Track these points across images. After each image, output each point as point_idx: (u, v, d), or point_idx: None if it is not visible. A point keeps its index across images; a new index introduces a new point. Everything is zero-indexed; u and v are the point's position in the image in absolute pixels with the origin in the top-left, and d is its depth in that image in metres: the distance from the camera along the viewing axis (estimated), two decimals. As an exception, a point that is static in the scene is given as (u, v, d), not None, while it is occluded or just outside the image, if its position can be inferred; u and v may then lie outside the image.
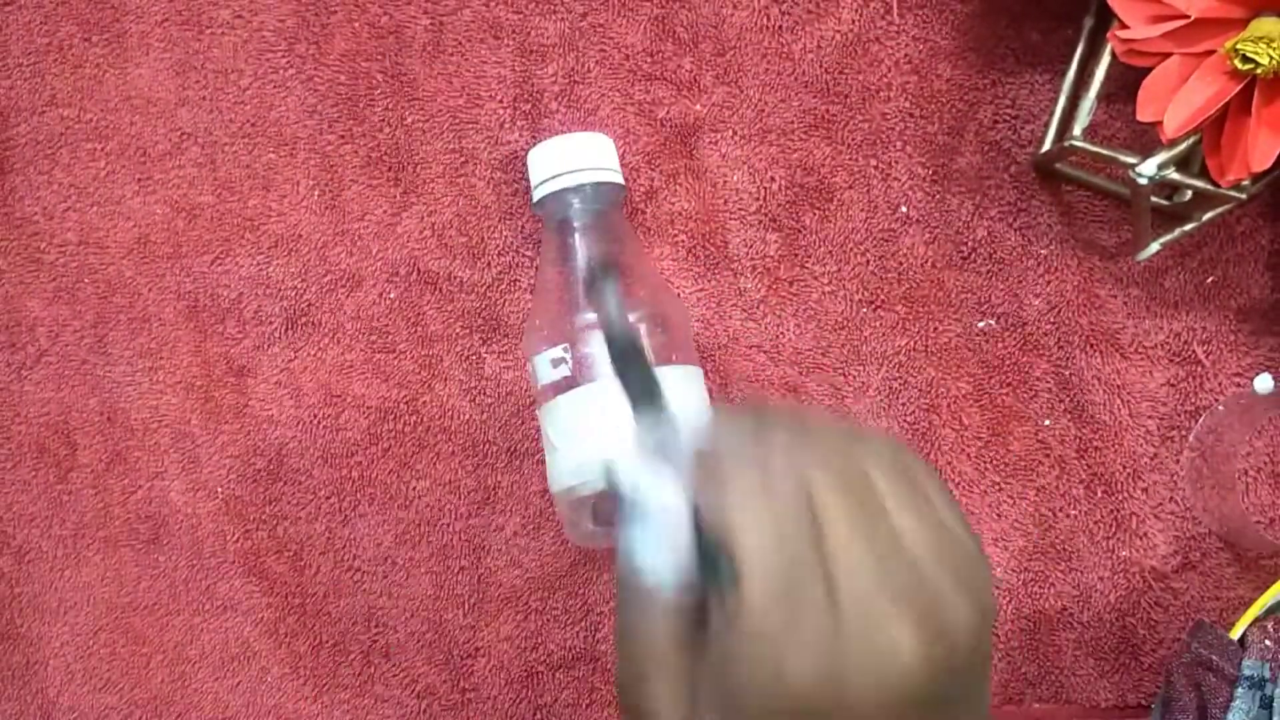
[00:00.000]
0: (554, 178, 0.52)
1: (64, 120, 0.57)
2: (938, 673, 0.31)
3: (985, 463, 0.56)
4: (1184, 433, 0.56)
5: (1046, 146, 0.56)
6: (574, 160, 0.52)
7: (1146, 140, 0.56)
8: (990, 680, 0.34)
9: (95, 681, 0.56)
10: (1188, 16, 0.47)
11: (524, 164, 0.57)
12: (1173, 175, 0.51)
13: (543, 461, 0.53)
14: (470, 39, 0.58)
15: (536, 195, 0.53)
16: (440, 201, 0.57)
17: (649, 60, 0.58)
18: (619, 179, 0.54)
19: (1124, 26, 0.49)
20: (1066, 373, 0.56)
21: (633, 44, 0.58)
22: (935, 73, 0.57)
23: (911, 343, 0.57)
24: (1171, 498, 0.56)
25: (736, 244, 0.57)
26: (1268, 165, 0.47)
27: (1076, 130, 0.53)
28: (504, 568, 0.56)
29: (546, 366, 0.51)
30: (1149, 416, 0.56)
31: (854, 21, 0.58)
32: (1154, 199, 0.54)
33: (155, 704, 0.56)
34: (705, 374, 0.56)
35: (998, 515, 0.56)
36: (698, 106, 0.57)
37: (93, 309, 0.57)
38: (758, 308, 0.57)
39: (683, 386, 0.51)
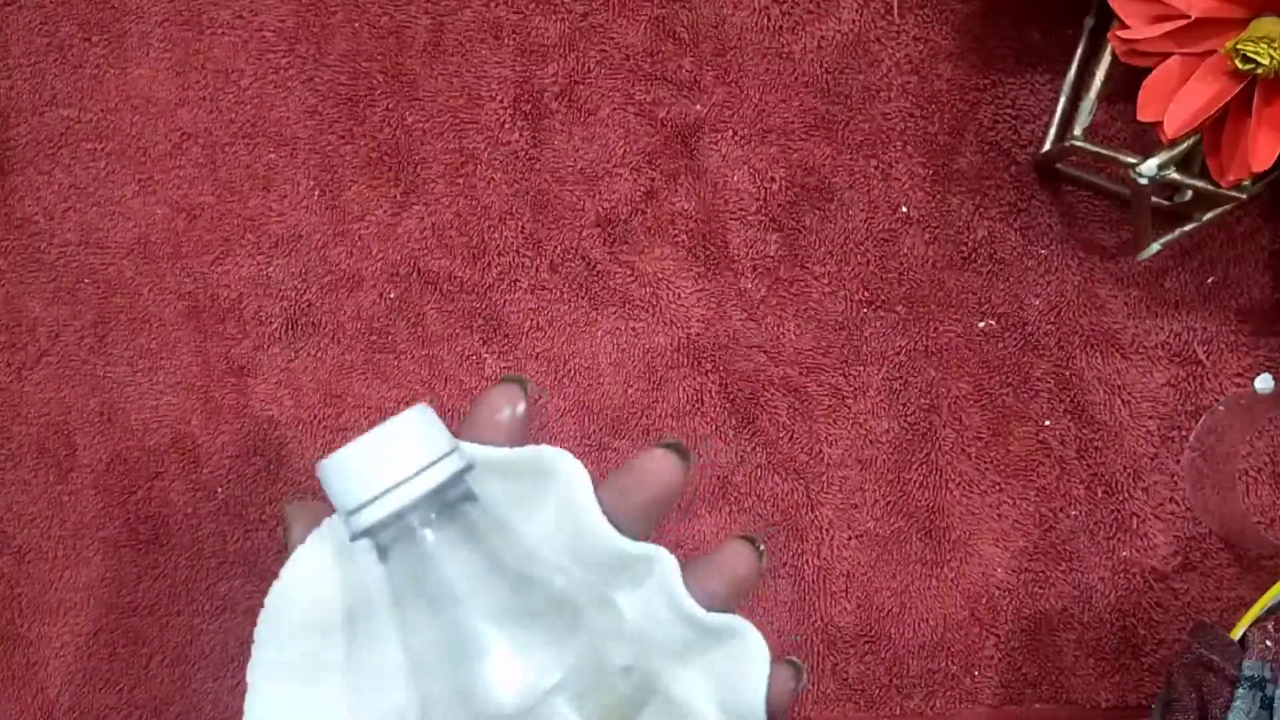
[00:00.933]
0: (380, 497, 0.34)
1: (64, 120, 0.57)
2: None
3: (986, 463, 0.56)
4: (1184, 433, 0.56)
5: (1047, 147, 0.56)
6: (399, 462, 0.34)
7: (1147, 140, 0.56)
8: None
9: (95, 682, 0.56)
10: (1188, 16, 0.47)
11: (522, 165, 0.57)
12: (1173, 175, 0.51)
13: None
14: (471, 39, 0.58)
15: (355, 524, 0.34)
16: (440, 201, 0.57)
17: (649, 60, 0.58)
18: (458, 461, 0.35)
19: (1124, 26, 0.49)
20: (1067, 373, 0.56)
21: (633, 44, 0.58)
22: (936, 73, 0.57)
23: (912, 343, 0.57)
24: (1172, 498, 0.56)
25: (737, 244, 0.57)
26: (1268, 165, 0.47)
27: (1077, 130, 0.53)
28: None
29: None
30: (1149, 417, 0.56)
31: (854, 21, 0.58)
32: (1154, 199, 0.54)
33: (155, 704, 0.56)
34: (708, 372, 0.56)
35: (998, 515, 0.56)
36: (698, 106, 0.57)
37: (93, 309, 0.57)
38: (758, 308, 0.57)
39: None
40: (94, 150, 0.57)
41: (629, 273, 0.57)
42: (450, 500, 0.35)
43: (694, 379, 0.56)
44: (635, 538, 0.37)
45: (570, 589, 0.35)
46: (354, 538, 0.35)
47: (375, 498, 0.33)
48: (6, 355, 0.56)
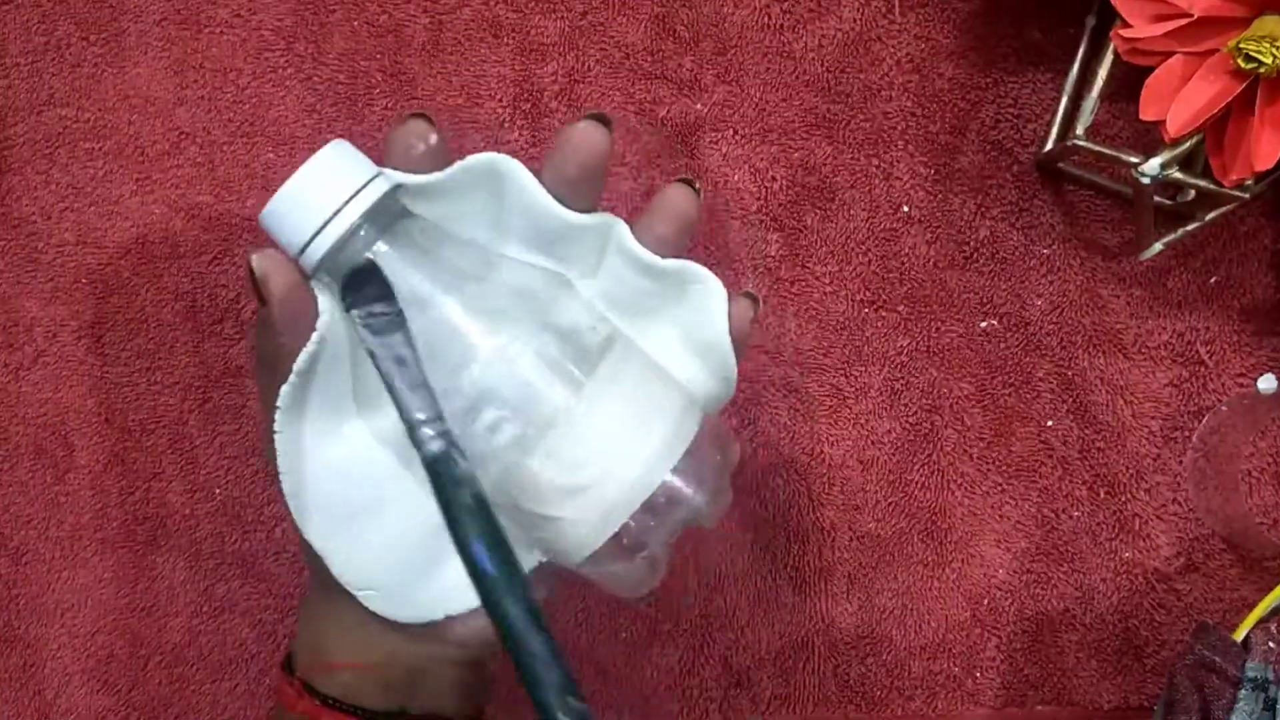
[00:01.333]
0: (324, 227, 0.37)
1: (62, 120, 0.57)
2: None
3: (987, 464, 0.56)
4: (1187, 433, 0.56)
5: (1049, 146, 0.56)
6: (330, 193, 0.37)
7: (1149, 139, 0.56)
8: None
9: (93, 683, 0.55)
10: (1191, 15, 0.47)
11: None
12: (1175, 175, 0.51)
13: None
14: (470, 38, 0.57)
15: (310, 257, 0.37)
16: (440, 201, 0.57)
17: (649, 59, 0.57)
18: (385, 182, 0.38)
19: (1127, 25, 0.49)
20: (1069, 373, 0.56)
21: (633, 43, 0.57)
22: (937, 72, 0.57)
23: (913, 343, 0.56)
24: (1175, 499, 0.56)
25: (737, 244, 0.57)
26: (1271, 164, 0.47)
27: (1079, 129, 0.53)
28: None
29: (482, 436, 0.38)
30: (1152, 417, 0.56)
31: (855, 20, 0.57)
32: (1157, 198, 0.54)
33: (153, 706, 0.55)
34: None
35: (1000, 516, 0.56)
36: (698, 105, 0.57)
37: (90, 309, 0.57)
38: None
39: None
40: (91, 150, 0.57)
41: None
42: (389, 219, 0.38)
43: (694, 379, 0.56)
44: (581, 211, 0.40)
45: (527, 278, 0.39)
46: (312, 274, 0.38)
47: (318, 230, 0.37)
48: (3, 355, 0.56)
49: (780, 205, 0.57)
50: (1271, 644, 0.48)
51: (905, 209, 0.57)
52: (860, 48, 0.57)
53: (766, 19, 0.57)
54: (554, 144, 0.39)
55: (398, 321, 0.37)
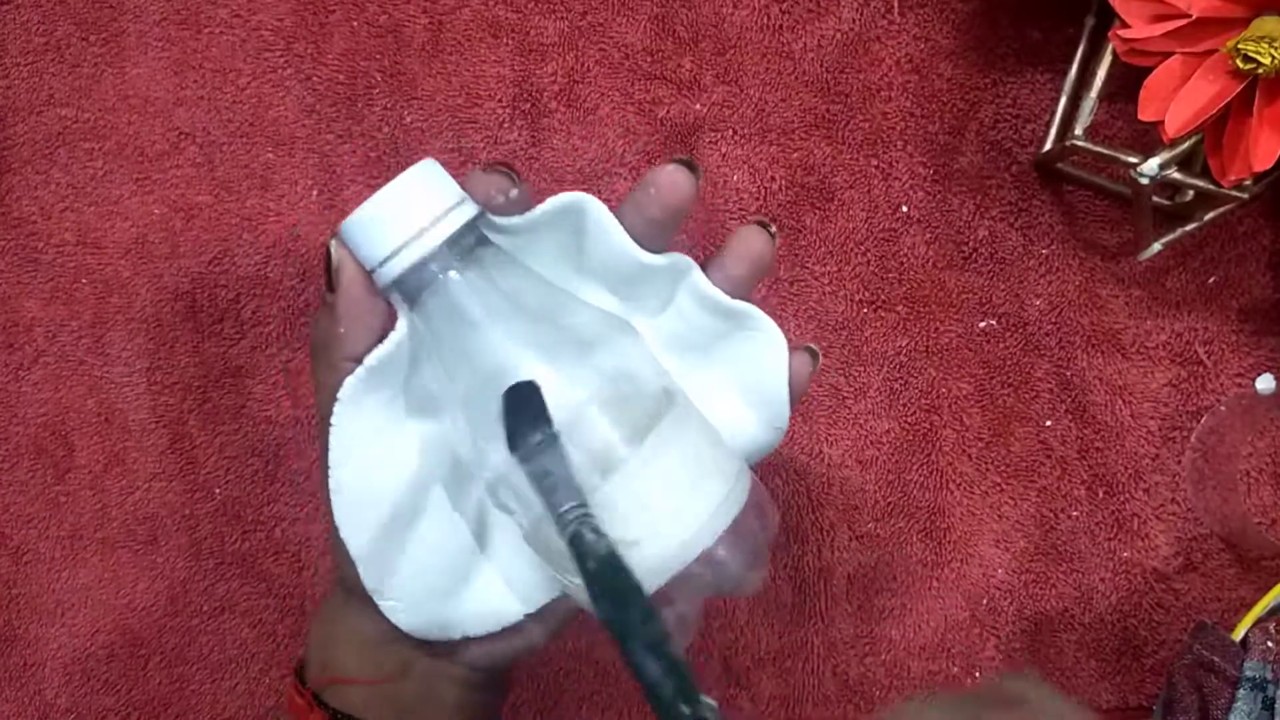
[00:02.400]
0: (404, 247, 0.37)
1: (61, 120, 0.57)
2: None
3: (986, 464, 0.56)
4: (1186, 433, 0.56)
5: (1048, 146, 0.56)
6: (416, 213, 0.37)
7: (1148, 140, 0.56)
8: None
9: (93, 683, 0.55)
10: (1189, 16, 0.47)
11: (521, 164, 0.57)
12: (1174, 175, 0.51)
13: None
14: (469, 38, 0.57)
15: (385, 274, 0.37)
16: (439, 201, 0.57)
17: (649, 59, 0.57)
18: (471, 208, 0.38)
19: (1125, 26, 0.49)
20: (1068, 373, 0.56)
21: (633, 43, 0.57)
22: (936, 72, 0.57)
23: (912, 343, 0.56)
24: (1173, 499, 0.56)
25: (736, 244, 0.57)
26: (1269, 165, 0.47)
27: (1078, 130, 0.53)
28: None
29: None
30: (1151, 417, 0.56)
31: (854, 20, 0.57)
32: (1155, 199, 0.54)
33: (153, 706, 0.55)
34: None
35: (999, 516, 0.56)
36: (698, 106, 0.57)
37: (90, 309, 0.57)
38: (758, 308, 0.56)
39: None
40: (91, 150, 0.57)
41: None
42: (468, 246, 0.38)
43: (694, 379, 0.56)
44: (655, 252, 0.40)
45: (594, 321, 0.39)
46: (384, 290, 0.38)
47: (399, 249, 0.37)
48: (3, 355, 0.56)
49: (779, 205, 0.57)
50: (1270, 643, 0.48)
51: (904, 209, 0.57)
52: (859, 48, 0.57)
53: (766, 19, 0.57)
54: (639, 184, 0.39)
55: (552, 442, 0.36)
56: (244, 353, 0.56)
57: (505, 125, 0.57)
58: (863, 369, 0.56)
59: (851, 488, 0.56)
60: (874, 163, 0.57)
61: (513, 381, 0.36)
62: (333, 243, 0.38)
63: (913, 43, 0.57)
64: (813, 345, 0.42)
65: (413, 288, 0.38)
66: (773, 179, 0.57)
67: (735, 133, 0.57)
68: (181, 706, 0.55)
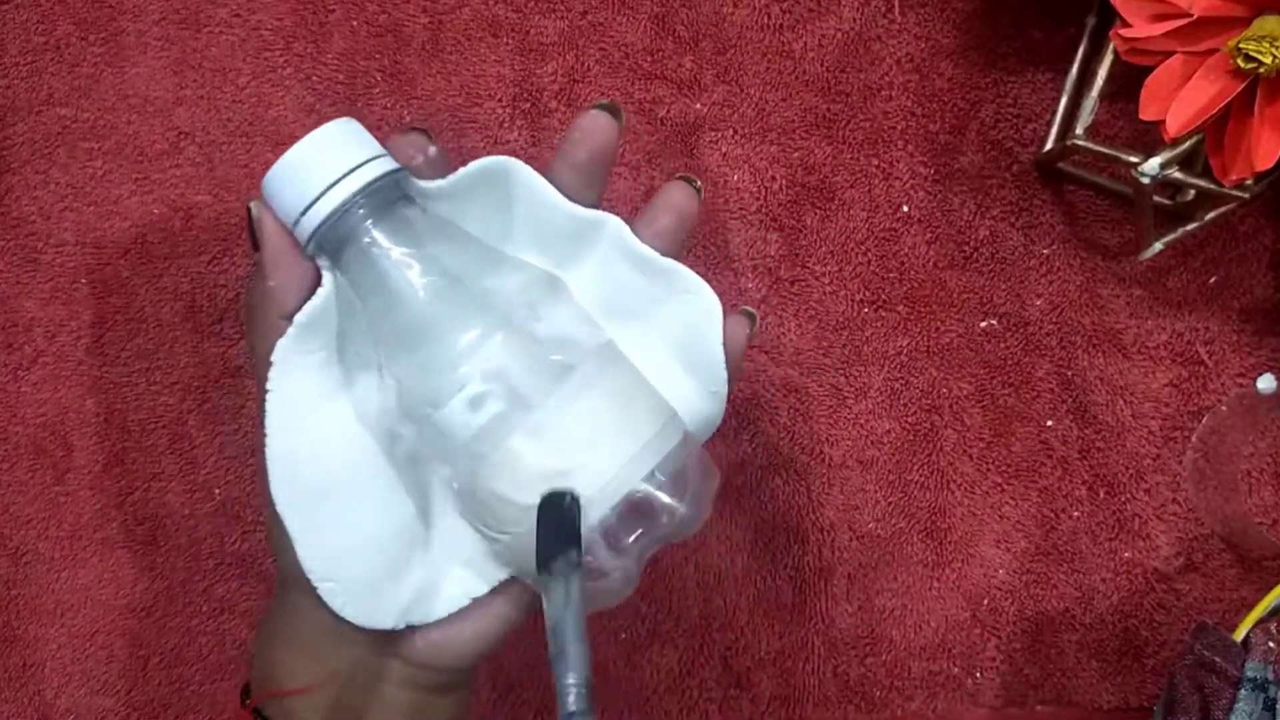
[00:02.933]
0: (325, 192, 0.37)
1: (61, 120, 0.57)
2: None
3: (987, 464, 0.56)
4: (1187, 433, 0.56)
5: (1049, 145, 0.56)
6: (332, 162, 0.37)
7: (1149, 139, 0.56)
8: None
9: (93, 684, 0.55)
10: (1190, 15, 0.47)
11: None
12: (1175, 175, 0.50)
13: None
14: (469, 37, 0.57)
15: (305, 226, 0.37)
16: (439, 201, 0.57)
17: (649, 59, 0.57)
18: (390, 161, 0.38)
19: (1126, 25, 0.49)
20: (1069, 373, 0.56)
21: (633, 42, 0.57)
22: (937, 71, 0.57)
23: (913, 343, 0.56)
24: (1174, 499, 0.56)
25: (737, 244, 0.57)
26: (1270, 164, 0.47)
27: (1079, 129, 0.53)
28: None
29: (462, 413, 0.37)
30: (1152, 417, 0.56)
31: (855, 20, 0.57)
32: (1157, 198, 0.53)
33: (152, 706, 0.55)
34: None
35: (1000, 516, 0.56)
36: (698, 105, 0.57)
37: (90, 309, 0.56)
38: (758, 308, 0.56)
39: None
40: (91, 149, 0.57)
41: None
42: (389, 200, 0.37)
43: (694, 379, 0.56)
44: (587, 205, 0.40)
45: (521, 277, 0.39)
46: (305, 244, 0.37)
47: (315, 199, 0.36)
48: (3, 356, 0.56)
49: (780, 205, 0.57)
50: (1271, 644, 0.48)
51: (905, 209, 0.57)
52: (860, 47, 0.57)
53: (766, 19, 0.57)
54: (565, 136, 0.39)
55: (579, 567, 0.35)
56: (244, 353, 0.56)
57: (505, 125, 0.57)
58: (863, 369, 0.56)
59: (852, 488, 0.56)
60: (875, 162, 0.57)
61: (440, 327, 0.37)
62: (253, 202, 0.37)
63: (913, 42, 0.57)
64: (749, 309, 0.42)
65: (333, 242, 0.37)
66: (773, 178, 0.57)
67: (736, 132, 0.57)
68: (181, 707, 0.55)
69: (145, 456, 0.56)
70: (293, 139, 0.57)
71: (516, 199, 0.39)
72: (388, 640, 0.39)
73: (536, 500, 0.36)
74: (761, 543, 0.56)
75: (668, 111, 0.57)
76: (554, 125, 0.57)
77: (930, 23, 0.57)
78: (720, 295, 0.56)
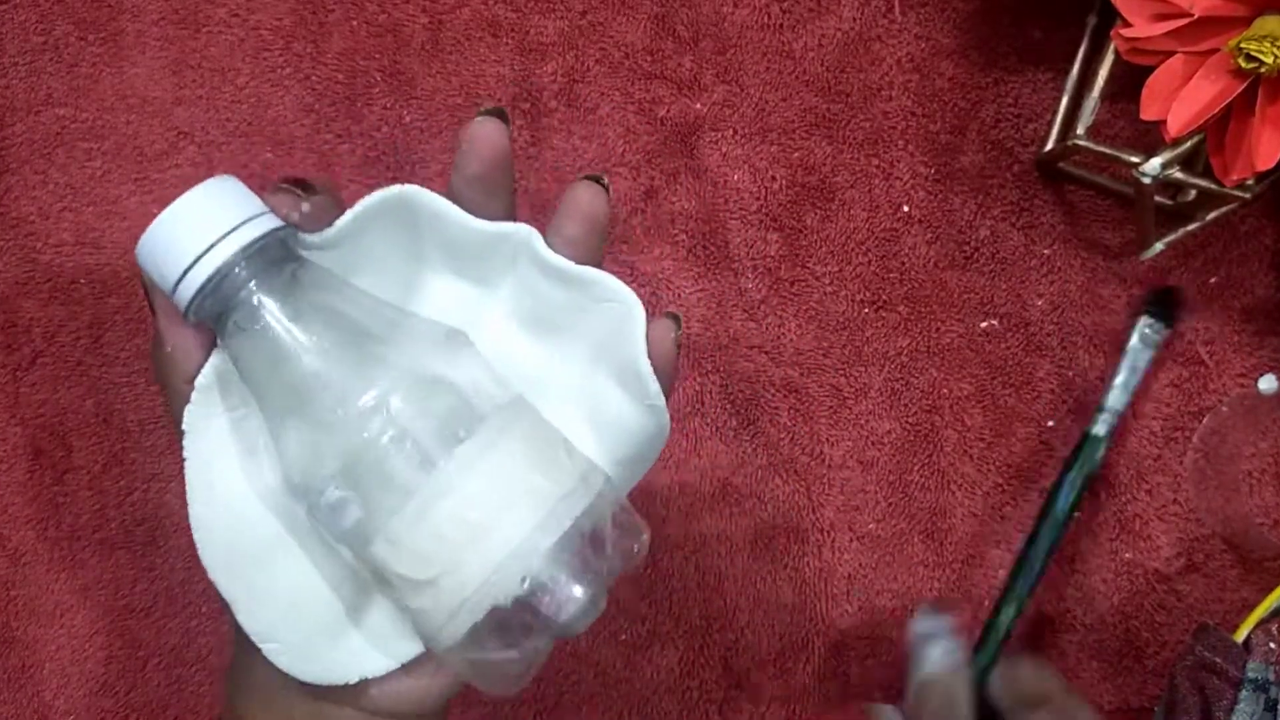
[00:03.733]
0: (206, 253, 0.34)
1: (60, 120, 0.57)
2: None
3: (988, 464, 0.56)
4: (1188, 434, 0.56)
5: (1050, 145, 0.56)
6: (209, 224, 0.34)
7: (1150, 139, 0.56)
8: None
9: (92, 685, 0.55)
10: (1191, 15, 0.47)
11: (521, 164, 0.57)
12: (1176, 174, 0.50)
13: None
14: (469, 37, 0.57)
15: (182, 293, 0.34)
16: (439, 201, 0.57)
17: (649, 59, 0.57)
18: (272, 220, 0.35)
19: (1127, 25, 0.49)
20: (1070, 373, 0.56)
21: (633, 42, 0.57)
22: (937, 71, 0.57)
23: (913, 343, 0.56)
24: (1175, 499, 0.55)
25: (737, 244, 0.57)
26: (1272, 164, 0.47)
27: (1080, 129, 0.53)
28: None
29: (329, 517, 0.35)
30: (1153, 417, 0.56)
31: (855, 19, 0.57)
32: (1157, 198, 0.53)
33: (152, 707, 0.55)
34: (708, 373, 0.56)
35: (1000, 517, 0.56)
36: (698, 105, 0.57)
37: (89, 309, 0.56)
38: (759, 308, 0.56)
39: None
40: (90, 150, 0.57)
41: (628, 272, 0.56)
42: (273, 261, 0.34)
43: (694, 380, 0.56)
44: (495, 217, 0.38)
45: (427, 335, 0.36)
46: (185, 314, 0.34)
47: (191, 264, 0.33)
48: (2, 356, 0.56)
49: (780, 205, 0.57)
50: (1272, 644, 0.48)
51: (905, 209, 0.57)
52: (860, 47, 0.57)
53: (766, 18, 0.57)
54: (456, 149, 0.38)
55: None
56: (243, 353, 0.56)
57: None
58: (864, 369, 0.56)
59: (852, 488, 0.56)
60: (875, 162, 0.57)
61: (319, 406, 0.34)
62: (147, 281, 0.35)
63: (914, 42, 0.57)
64: (674, 311, 0.39)
65: (214, 307, 0.34)
66: (773, 178, 0.57)
67: (736, 132, 0.57)
68: (180, 708, 0.55)
69: (144, 457, 0.56)
70: (292, 139, 0.57)
71: (422, 224, 0.37)
72: (346, 691, 0.37)
73: (412, 603, 0.34)
74: (761, 543, 0.56)
75: (668, 111, 0.57)
76: (554, 125, 0.57)
77: (931, 22, 0.57)
78: (719, 296, 0.56)
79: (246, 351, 0.35)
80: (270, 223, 0.34)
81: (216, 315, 0.34)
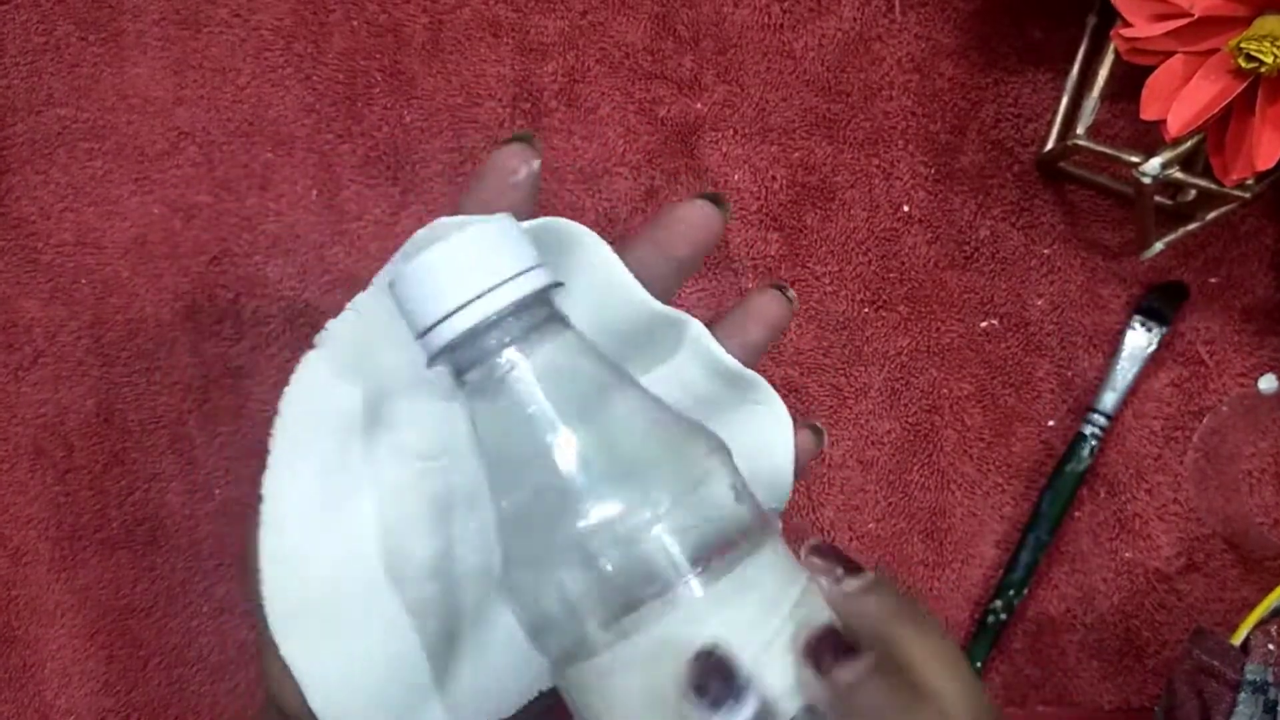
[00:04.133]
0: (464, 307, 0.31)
1: (60, 120, 0.57)
2: None
3: (988, 464, 0.56)
4: (1188, 433, 0.56)
5: (1050, 145, 0.56)
6: (480, 273, 0.31)
7: (1150, 139, 0.56)
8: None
9: (92, 684, 0.55)
10: (1191, 15, 0.47)
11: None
12: (1176, 174, 0.50)
13: None
14: (469, 37, 0.57)
15: (435, 339, 0.31)
16: (439, 201, 0.57)
17: (649, 58, 0.57)
18: (546, 275, 0.32)
19: (1127, 24, 0.49)
20: (1069, 373, 0.56)
21: (633, 42, 0.57)
22: (937, 71, 0.57)
23: (914, 343, 0.56)
24: (1175, 499, 0.55)
25: (737, 243, 0.57)
26: (1272, 164, 0.47)
27: (1080, 129, 0.53)
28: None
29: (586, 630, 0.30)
30: (1153, 417, 0.56)
31: (855, 19, 0.57)
32: (1158, 198, 0.53)
33: (152, 707, 0.55)
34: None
35: (1001, 517, 0.56)
36: (698, 105, 0.57)
37: (89, 309, 0.56)
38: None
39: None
40: (90, 150, 0.57)
41: (629, 272, 0.56)
42: (537, 321, 0.31)
43: (694, 379, 0.56)
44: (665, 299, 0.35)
45: (675, 430, 0.32)
46: (431, 362, 0.31)
47: (450, 313, 0.30)
48: (3, 356, 0.56)
49: (780, 205, 0.57)
50: (1271, 646, 0.48)
51: (905, 208, 0.57)
52: (861, 47, 0.57)
53: (767, 18, 0.57)
54: (658, 221, 0.35)
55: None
56: (244, 353, 0.56)
57: (505, 125, 0.57)
58: (864, 369, 0.56)
59: (852, 488, 0.56)
60: (875, 162, 0.57)
61: (572, 500, 0.30)
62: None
63: (914, 42, 0.57)
64: (817, 423, 0.39)
65: (464, 362, 0.31)
66: (773, 178, 0.57)
67: (736, 132, 0.57)
68: (181, 708, 0.55)
69: (145, 457, 0.56)
70: (293, 138, 0.57)
71: (578, 272, 0.34)
72: None
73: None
74: (762, 543, 0.56)
75: (668, 111, 0.57)
76: (554, 125, 0.57)
77: (931, 22, 0.57)
78: (719, 296, 0.56)
79: (490, 414, 0.31)
80: (543, 278, 0.31)
81: (464, 367, 0.31)
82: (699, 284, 0.56)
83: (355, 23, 0.57)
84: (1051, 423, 0.56)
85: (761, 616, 0.30)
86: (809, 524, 0.56)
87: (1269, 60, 0.45)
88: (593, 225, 0.56)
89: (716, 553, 0.30)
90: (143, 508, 0.56)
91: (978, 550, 0.55)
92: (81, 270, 0.57)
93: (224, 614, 0.56)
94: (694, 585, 0.29)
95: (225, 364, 0.56)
